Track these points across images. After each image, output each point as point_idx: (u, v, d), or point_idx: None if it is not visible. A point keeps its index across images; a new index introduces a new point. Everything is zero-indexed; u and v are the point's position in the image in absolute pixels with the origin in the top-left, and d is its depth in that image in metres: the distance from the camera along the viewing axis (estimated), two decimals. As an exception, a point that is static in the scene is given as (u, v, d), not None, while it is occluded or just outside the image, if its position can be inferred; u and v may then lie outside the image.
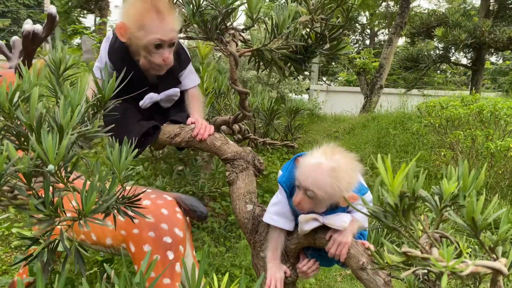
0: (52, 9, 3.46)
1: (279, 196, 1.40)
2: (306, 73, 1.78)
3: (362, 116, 7.59)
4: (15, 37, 3.48)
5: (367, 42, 22.68)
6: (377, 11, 17.93)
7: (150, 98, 1.58)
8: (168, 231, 3.49)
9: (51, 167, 0.97)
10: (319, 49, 1.70)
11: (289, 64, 1.76)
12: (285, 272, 1.38)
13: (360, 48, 21.42)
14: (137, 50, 1.50)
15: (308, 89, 9.80)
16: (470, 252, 1.25)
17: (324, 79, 21.81)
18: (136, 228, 3.52)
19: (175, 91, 1.62)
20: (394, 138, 5.95)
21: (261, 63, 1.79)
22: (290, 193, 1.37)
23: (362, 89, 10.63)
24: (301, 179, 1.26)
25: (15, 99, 1.08)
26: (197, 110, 1.63)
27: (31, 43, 2.71)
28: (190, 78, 1.68)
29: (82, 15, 18.18)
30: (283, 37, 1.63)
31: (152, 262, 0.91)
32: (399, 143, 5.84)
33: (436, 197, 1.11)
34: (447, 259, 0.88)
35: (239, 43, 1.72)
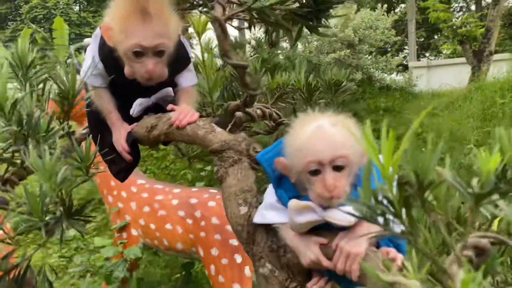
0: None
1: (269, 186, 1.08)
2: (323, 30, 1.39)
3: (463, 88, 6.64)
4: (87, 40, 3.47)
5: (473, 8, 20.34)
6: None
7: (139, 104, 1.34)
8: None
9: None
10: (333, -3, 1.31)
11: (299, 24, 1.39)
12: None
13: (464, 15, 19.31)
14: (121, 56, 1.27)
15: (399, 65, 8.91)
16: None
17: (427, 54, 20.08)
18: (203, 231, 3.36)
19: (167, 91, 1.37)
20: (503, 108, 5.03)
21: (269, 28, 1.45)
22: (276, 179, 1.04)
23: (468, 58, 9.49)
24: (318, 152, 0.91)
25: None
26: (185, 101, 1.35)
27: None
28: (185, 76, 1.42)
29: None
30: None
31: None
32: (509, 113, 4.91)
33: (475, 181, 0.68)
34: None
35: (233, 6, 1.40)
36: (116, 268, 3.36)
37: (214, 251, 3.22)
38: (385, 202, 0.66)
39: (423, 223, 0.66)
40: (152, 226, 3.57)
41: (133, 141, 1.31)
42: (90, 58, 1.33)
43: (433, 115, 5.68)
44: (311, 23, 1.37)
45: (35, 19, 19.93)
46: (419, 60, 14.06)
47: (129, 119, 1.36)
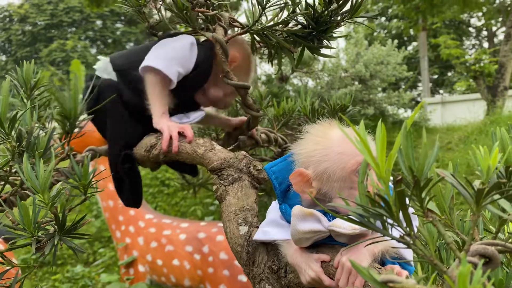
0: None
1: (273, 203, 1.05)
2: (325, 51, 1.39)
3: (478, 122, 6.55)
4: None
5: (486, 45, 20.48)
6: (489, 8, 16.08)
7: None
8: (243, 269, 3.18)
9: None
10: (334, 16, 1.31)
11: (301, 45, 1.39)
12: None
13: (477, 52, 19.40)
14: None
15: (412, 100, 8.89)
16: None
17: (441, 91, 20.08)
18: (211, 266, 3.28)
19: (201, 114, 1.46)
20: (520, 140, 4.93)
21: (272, 51, 1.46)
22: (282, 193, 1.00)
23: (482, 94, 9.45)
24: (356, 156, 0.88)
25: None
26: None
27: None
28: None
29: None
30: (280, 9, 1.29)
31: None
32: (526, 145, 4.80)
33: (477, 182, 0.64)
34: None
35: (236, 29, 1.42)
36: (123, 305, 3.27)
37: (223, 288, 3.13)
38: (382, 203, 0.62)
39: (422, 225, 0.62)
40: (159, 262, 3.51)
41: (128, 157, 1.28)
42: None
43: (449, 149, 5.59)
44: (312, 44, 1.37)
45: (53, 62, 20.64)
46: (433, 97, 14.05)
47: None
